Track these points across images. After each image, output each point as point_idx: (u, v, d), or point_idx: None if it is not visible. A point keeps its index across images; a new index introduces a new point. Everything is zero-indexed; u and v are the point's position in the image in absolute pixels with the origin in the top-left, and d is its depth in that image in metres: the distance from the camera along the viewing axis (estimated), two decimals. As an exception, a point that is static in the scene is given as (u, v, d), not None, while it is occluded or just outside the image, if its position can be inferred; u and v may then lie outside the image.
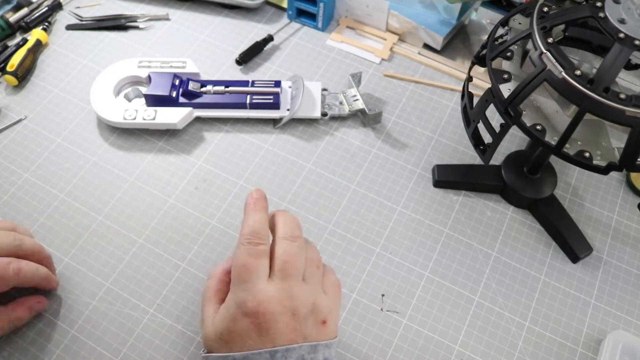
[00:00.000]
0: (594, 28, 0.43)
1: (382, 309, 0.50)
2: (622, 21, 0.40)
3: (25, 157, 0.59)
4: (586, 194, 0.58)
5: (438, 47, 0.68)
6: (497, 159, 0.58)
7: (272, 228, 0.43)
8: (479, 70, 0.65)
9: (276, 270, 0.40)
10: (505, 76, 0.44)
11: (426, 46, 0.69)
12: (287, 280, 0.39)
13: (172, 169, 0.58)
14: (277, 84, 0.61)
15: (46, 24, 0.70)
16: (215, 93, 0.60)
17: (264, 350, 0.38)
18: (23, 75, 0.64)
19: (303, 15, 0.70)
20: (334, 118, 0.62)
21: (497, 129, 0.45)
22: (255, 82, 0.61)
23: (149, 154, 0.59)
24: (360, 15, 0.70)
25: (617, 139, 0.43)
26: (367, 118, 0.61)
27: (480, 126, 0.47)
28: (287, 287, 0.39)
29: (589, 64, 0.44)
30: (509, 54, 0.46)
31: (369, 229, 0.55)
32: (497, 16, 0.67)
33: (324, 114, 0.61)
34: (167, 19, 0.71)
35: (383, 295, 0.51)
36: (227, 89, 0.60)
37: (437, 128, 0.62)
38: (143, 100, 0.60)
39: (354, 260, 0.53)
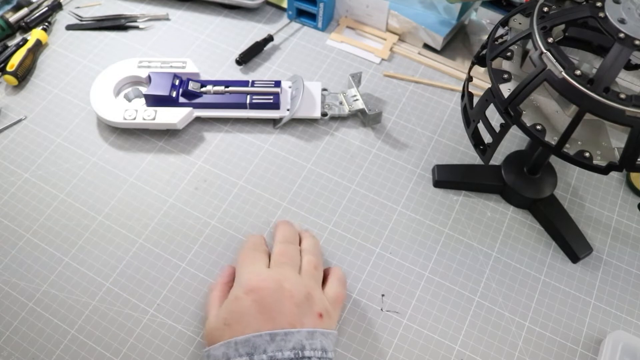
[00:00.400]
0: (594, 28, 0.43)
1: (382, 309, 0.50)
2: (622, 21, 0.40)
3: (25, 157, 0.59)
4: (586, 194, 0.58)
5: (438, 47, 0.68)
6: (497, 159, 0.58)
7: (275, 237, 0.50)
8: (479, 70, 0.65)
9: (272, 261, 0.47)
10: (505, 76, 0.44)
11: (426, 46, 0.69)
12: (282, 266, 0.46)
13: (172, 169, 0.58)
14: (277, 84, 0.61)
15: (46, 24, 0.70)
16: (215, 93, 0.60)
17: (265, 333, 0.40)
18: (23, 75, 0.64)
19: (303, 15, 0.70)
20: (334, 118, 0.62)
21: (497, 129, 0.45)
22: (255, 82, 0.61)
23: (149, 154, 0.59)
24: (360, 15, 0.70)
25: (617, 139, 0.43)
26: (367, 118, 0.61)
27: (480, 126, 0.47)
28: (282, 270, 0.45)
29: (589, 64, 0.44)
30: (509, 54, 0.46)
31: (369, 229, 0.55)
32: (497, 16, 0.67)
33: (324, 114, 0.61)
34: (167, 19, 0.71)
35: (383, 295, 0.51)
36: (227, 89, 0.60)
37: (437, 128, 0.62)
38: (143, 100, 0.60)
39: (354, 260, 0.53)
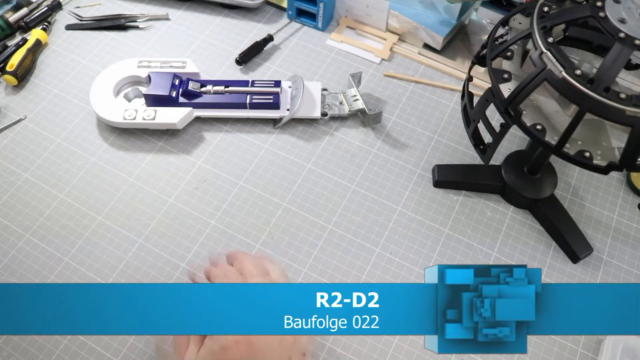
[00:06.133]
0: (594, 28, 0.43)
1: (382, 309, 0.50)
2: (622, 21, 0.40)
3: (24, 157, 0.59)
4: (586, 194, 0.58)
5: (438, 47, 0.68)
6: (497, 159, 0.58)
7: (241, 270, 0.43)
8: (479, 70, 0.65)
9: None
10: (506, 76, 0.44)
11: (426, 46, 0.69)
12: None
13: (172, 169, 0.58)
14: (277, 84, 0.61)
15: (46, 24, 0.70)
16: (215, 93, 0.60)
17: None
18: (23, 75, 0.64)
19: (303, 15, 0.70)
20: (334, 118, 0.62)
21: (497, 129, 0.45)
22: (255, 82, 0.61)
23: (149, 154, 0.59)
24: (360, 15, 0.70)
25: (617, 139, 0.43)
26: (367, 118, 0.61)
27: (480, 126, 0.47)
28: None
29: (589, 63, 0.44)
30: (509, 53, 0.46)
31: (369, 229, 0.55)
32: (497, 16, 0.67)
33: (324, 114, 0.61)
34: (167, 19, 0.71)
35: (383, 295, 0.51)
36: (227, 89, 0.60)
37: (437, 128, 0.62)
38: (143, 100, 0.60)
39: (354, 260, 0.53)
